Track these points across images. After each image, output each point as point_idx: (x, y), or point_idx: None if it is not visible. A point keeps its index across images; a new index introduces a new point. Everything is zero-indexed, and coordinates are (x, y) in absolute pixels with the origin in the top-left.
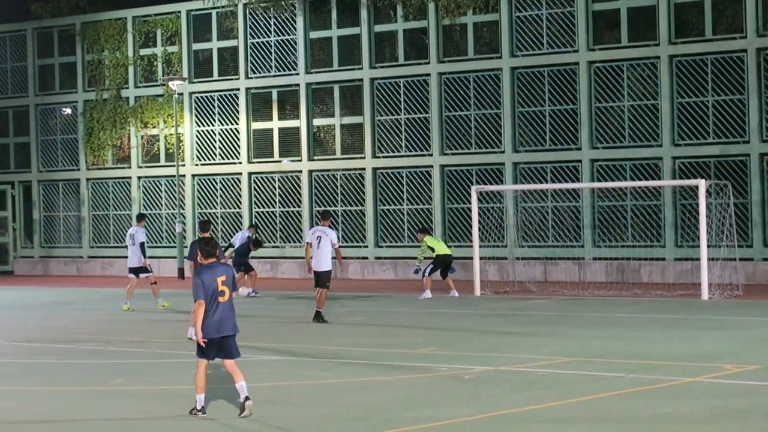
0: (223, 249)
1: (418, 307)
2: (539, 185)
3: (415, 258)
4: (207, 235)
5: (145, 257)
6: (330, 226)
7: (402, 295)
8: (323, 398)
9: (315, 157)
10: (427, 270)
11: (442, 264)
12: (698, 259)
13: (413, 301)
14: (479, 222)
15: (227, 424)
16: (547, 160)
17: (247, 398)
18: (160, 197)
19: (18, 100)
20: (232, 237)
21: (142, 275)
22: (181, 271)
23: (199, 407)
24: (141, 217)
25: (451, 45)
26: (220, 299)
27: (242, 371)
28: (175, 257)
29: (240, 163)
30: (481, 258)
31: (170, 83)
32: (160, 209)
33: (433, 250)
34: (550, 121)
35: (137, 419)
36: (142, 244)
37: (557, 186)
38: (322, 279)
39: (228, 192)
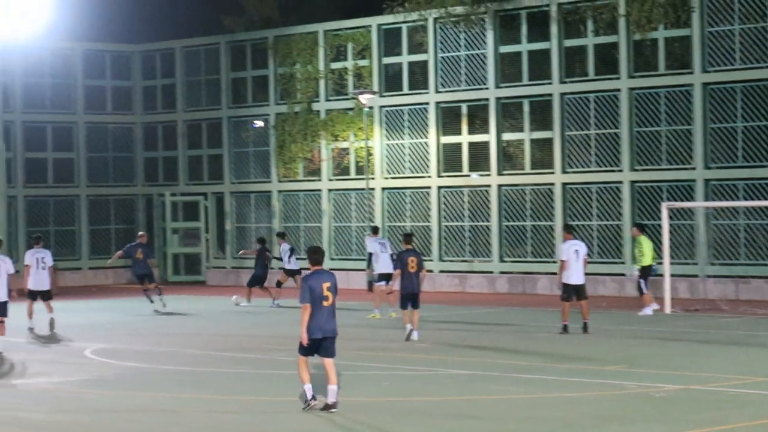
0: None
1: (608, 323)
2: (731, 202)
3: (605, 275)
4: (410, 246)
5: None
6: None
7: (590, 311)
8: (511, 413)
9: (504, 172)
10: (644, 285)
11: (647, 275)
12: None
13: (602, 316)
14: (670, 239)
15: None
16: (739, 177)
17: (335, 403)
18: (350, 210)
19: (211, 112)
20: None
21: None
22: (369, 284)
23: (309, 396)
24: (376, 230)
25: (642, 60)
26: (324, 303)
27: (432, 386)
28: (364, 270)
29: (429, 176)
30: (671, 275)
31: (360, 97)
32: (349, 222)
33: (642, 256)
34: (743, 137)
35: (323, 431)
36: (390, 255)
37: (750, 203)
38: (581, 291)
39: (417, 205)
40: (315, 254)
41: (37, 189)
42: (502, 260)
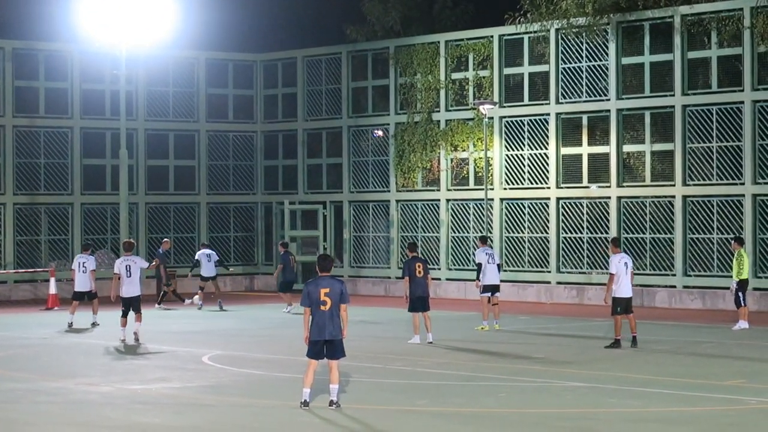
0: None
1: (726, 337)
2: None
3: (725, 288)
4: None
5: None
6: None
7: (710, 326)
8: (627, 427)
9: (624, 184)
10: (741, 298)
11: (743, 289)
12: None
13: (722, 331)
14: None
15: None
16: None
17: (332, 402)
18: (468, 220)
19: (331, 121)
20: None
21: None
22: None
23: (302, 399)
24: (485, 239)
25: (766, 72)
26: (322, 308)
27: (548, 397)
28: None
29: (548, 188)
30: None
31: (481, 107)
32: (467, 232)
33: (742, 269)
34: None
35: None
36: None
37: None
38: (629, 305)
39: (535, 216)
40: (322, 261)
41: (158, 196)
42: None
